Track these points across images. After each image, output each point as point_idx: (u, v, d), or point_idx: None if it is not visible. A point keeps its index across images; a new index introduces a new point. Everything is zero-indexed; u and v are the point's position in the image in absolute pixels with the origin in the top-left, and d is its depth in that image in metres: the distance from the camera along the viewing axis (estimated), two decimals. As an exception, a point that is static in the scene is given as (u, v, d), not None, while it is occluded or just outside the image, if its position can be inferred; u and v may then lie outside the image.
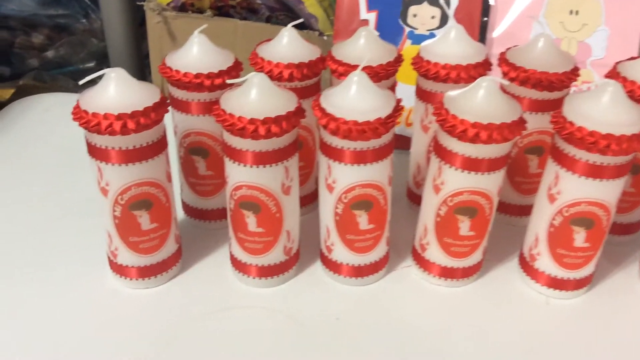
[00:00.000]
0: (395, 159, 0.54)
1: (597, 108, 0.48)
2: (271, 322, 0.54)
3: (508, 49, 0.61)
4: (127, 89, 0.49)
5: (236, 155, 0.51)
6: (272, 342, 0.52)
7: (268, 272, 0.56)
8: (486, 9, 0.79)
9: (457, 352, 0.51)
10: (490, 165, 0.51)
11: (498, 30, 0.79)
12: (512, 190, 0.64)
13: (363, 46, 0.59)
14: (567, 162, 0.50)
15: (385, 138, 0.51)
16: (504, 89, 0.60)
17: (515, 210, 0.65)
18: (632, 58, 0.58)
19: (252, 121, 0.48)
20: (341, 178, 0.52)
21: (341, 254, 0.56)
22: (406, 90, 0.73)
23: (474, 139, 0.48)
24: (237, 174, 0.52)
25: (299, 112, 0.50)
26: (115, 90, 0.49)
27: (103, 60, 1.19)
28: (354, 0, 0.80)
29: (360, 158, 0.50)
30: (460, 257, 0.56)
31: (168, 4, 0.90)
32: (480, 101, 0.49)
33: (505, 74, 0.59)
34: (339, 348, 0.52)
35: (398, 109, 0.50)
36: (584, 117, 0.48)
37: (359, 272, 0.57)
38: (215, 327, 0.53)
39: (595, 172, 0.49)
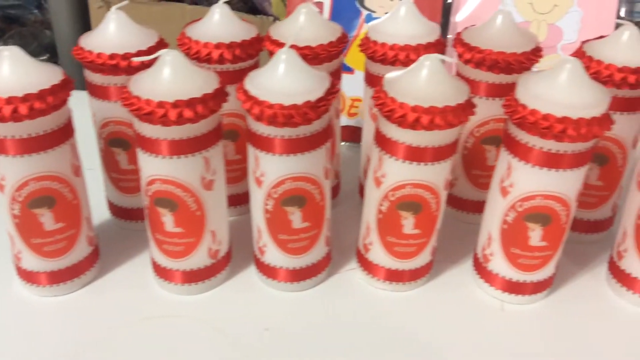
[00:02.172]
0: (347, 153, 0.48)
1: (554, 89, 0.43)
2: (194, 334, 0.48)
3: (465, 28, 0.55)
4: (23, 70, 0.43)
5: (148, 145, 0.45)
6: (193, 356, 0.46)
7: (192, 277, 0.50)
8: (450, -10, 0.74)
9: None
10: (435, 155, 0.45)
11: (462, 13, 0.73)
12: (469, 184, 0.58)
13: (303, 24, 0.53)
14: (520, 151, 0.45)
15: (319, 124, 0.45)
16: (459, 73, 0.55)
17: (472, 207, 0.59)
18: (601, 37, 0.53)
19: (160, 104, 0.42)
20: (270, 170, 0.46)
21: (274, 256, 0.50)
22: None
23: (414, 125, 0.43)
24: (150, 167, 0.45)
25: (219, 95, 0.44)
26: (10, 72, 0.43)
27: (55, 52, 1.13)
28: (306, -19, 0.74)
29: (290, 147, 0.45)
30: (406, 258, 0.50)
31: (113, -12, 0.84)
32: (423, 83, 0.44)
33: (460, 56, 0.53)
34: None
35: (331, 91, 0.44)
36: (539, 99, 0.43)
37: (296, 276, 0.51)
38: (133, 339, 0.47)
39: (551, 161, 0.44)
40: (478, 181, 0.58)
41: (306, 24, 0.53)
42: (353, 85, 0.72)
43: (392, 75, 0.46)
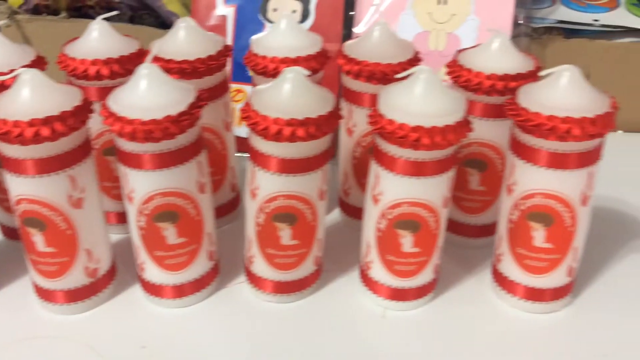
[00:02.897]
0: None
1: (410, 98, 0.43)
2: (68, 354, 0.47)
3: (349, 40, 0.56)
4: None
5: (11, 165, 0.44)
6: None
7: (71, 297, 0.49)
8: (352, 2, 0.75)
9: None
10: (306, 166, 0.45)
11: (363, 24, 0.74)
12: (361, 192, 0.59)
13: (182, 39, 0.53)
14: (385, 161, 0.45)
15: (186, 138, 0.45)
16: (344, 85, 0.56)
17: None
18: (474, 46, 0.54)
19: (16, 124, 0.42)
20: (139, 187, 0.46)
21: (153, 272, 0.50)
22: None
23: (278, 137, 0.43)
24: (16, 187, 0.45)
25: (80, 112, 0.44)
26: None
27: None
28: (211, -6, 0.74)
29: (159, 162, 0.45)
30: (288, 269, 0.50)
31: (20, 7, 0.83)
32: (286, 95, 0.44)
33: (341, 67, 0.54)
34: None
35: (196, 105, 0.44)
36: (396, 110, 0.43)
37: (178, 292, 0.50)
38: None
39: (414, 169, 0.44)
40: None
41: (185, 38, 0.53)
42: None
43: (258, 88, 0.46)
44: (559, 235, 0.47)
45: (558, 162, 0.44)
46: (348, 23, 0.74)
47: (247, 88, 0.72)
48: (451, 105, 0.44)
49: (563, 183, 0.45)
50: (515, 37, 0.74)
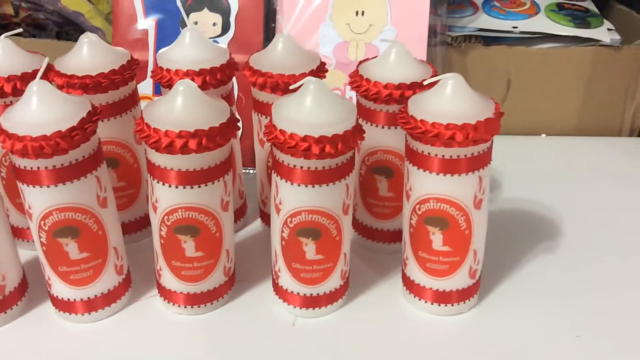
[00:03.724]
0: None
1: (300, 108, 0.44)
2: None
3: (255, 53, 0.57)
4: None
5: None
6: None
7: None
8: (273, 14, 0.76)
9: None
10: (206, 177, 0.46)
11: (284, 35, 0.75)
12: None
13: (85, 54, 0.53)
14: (282, 171, 0.46)
15: (79, 154, 0.45)
16: (254, 97, 0.56)
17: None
18: (374, 57, 0.55)
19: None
20: (36, 204, 0.46)
21: (59, 287, 0.49)
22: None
23: (170, 149, 0.44)
24: None
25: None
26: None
27: None
28: (131, 8, 0.75)
29: (56, 178, 0.45)
30: (196, 281, 0.51)
31: (-57, 22, 0.82)
32: (179, 107, 0.45)
33: (247, 79, 0.55)
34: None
35: (87, 120, 0.45)
36: (288, 120, 0.44)
37: (88, 306, 0.50)
38: None
39: (309, 178, 0.45)
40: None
41: (88, 53, 0.53)
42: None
43: (151, 102, 0.46)
44: (456, 238, 0.49)
45: (448, 167, 0.46)
46: (269, 35, 0.75)
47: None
48: (341, 114, 0.45)
49: (454, 187, 0.47)
50: (433, 46, 0.76)
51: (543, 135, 0.84)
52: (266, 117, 0.56)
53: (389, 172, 0.55)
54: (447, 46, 0.79)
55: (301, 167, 0.45)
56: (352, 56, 0.74)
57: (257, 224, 0.65)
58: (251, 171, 0.72)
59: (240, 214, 0.63)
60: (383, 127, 0.53)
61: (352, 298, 0.55)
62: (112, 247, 0.50)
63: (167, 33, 0.74)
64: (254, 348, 0.49)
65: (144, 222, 0.61)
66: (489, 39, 0.82)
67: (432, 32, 0.76)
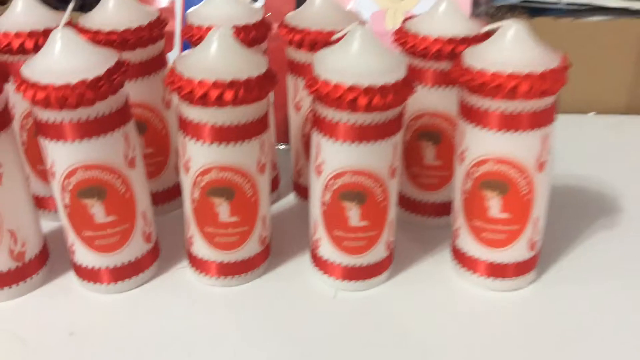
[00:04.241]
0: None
1: (346, 58, 0.40)
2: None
3: (292, 12, 0.54)
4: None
5: None
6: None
7: (-7, 283, 0.46)
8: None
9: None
10: (241, 134, 0.42)
11: (319, 4, 0.71)
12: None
13: (111, 10, 0.49)
14: (325, 128, 0.42)
15: (107, 107, 0.41)
16: (289, 57, 0.53)
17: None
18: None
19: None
20: (60, 161, 0.42)
21: (83, 254, 0.46)
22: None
23: (204, 101, 0.40)
24: None
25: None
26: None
27: None
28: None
29: (81, 132, 0.41)
30: (230, 249, 0.47)
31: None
32: (213, 56, 0.41)
33: (283, 37, 0.51)
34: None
35: (115, 70, 0.41)
36: (332, 71, 0.40)
37: (113, 276, 0.47)
38: None
39: (354, 134, 0.41)
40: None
41: (114, 9, 0.49)
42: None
43: (183, 53, 0.43)
44: (516, 204, 0.44)
45: (509, 123, 0.42)
46: (301, 3, 0.72)
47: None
48: (390, 63, 0.41)
49: (516, 146, 0.42)
50: (476, 16, 0.72)
51: (592, 113, 0.79)
52: (302, 79, 0.52)
53: (436, 138, 0.51)
54: (491, 17, 0.74)
55: (346, 122, 0.41)
56: (389, 25, 0.70)
57: (290, 199, 0.61)
58: (282, 147, 0.68)
59: (273, 186, 0.59)
60: (431, 88, 0.49)
61: (397, 272, 0.50)
62: (140, 212, 0.46)
63: (196, 3, 0.71)
64: (291, 322, 0.46)
65: (172, 193, 0.57)
66: (535, 11, 0.77)
67: (475, 2, 0.72)
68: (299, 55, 0.51)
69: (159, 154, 0.55)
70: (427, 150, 0.52)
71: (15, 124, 0.50)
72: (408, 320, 0.46)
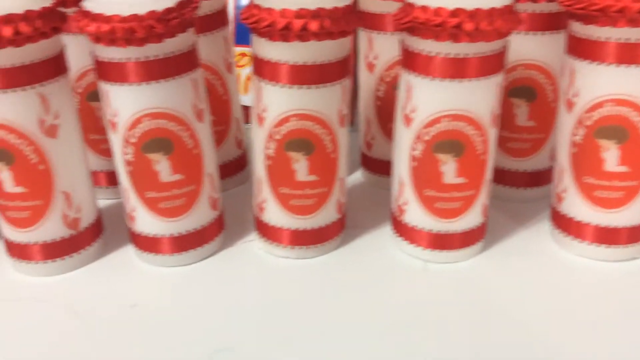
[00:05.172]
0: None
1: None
2: (39, 316, 0.39)
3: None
4: None
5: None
6: (41, 340, 0.37)
7: (47, 252, 0.41)
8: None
9: (307, 337, 0.37)
10: (323, 75, 0.38)
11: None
12: (386, 140, 0.51)
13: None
14: (418, 64, 0.37)
15: (174, 45, 0.37)
16: (364, 10, 0.48)
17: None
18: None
19: None
20: (124, 108, 0.38)
21: (145, 219, 0.42)
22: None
23: (286, 33, 0.36)
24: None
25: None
26: None
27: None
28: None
29: (147, 72, 0.37)
30: (306, 214, 0.42)
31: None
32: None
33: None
34: (132, 339, 0.37)
35: (186, 3, 0.37)
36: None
37: (176, 245, 0.42)
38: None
39: (453, 69, 0.36)
40: (396, 136, 0.51)
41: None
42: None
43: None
44: (638, 154, 0.39)
45: (631, 55, 0.36)
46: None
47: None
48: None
49: (638, 84, 0.37)
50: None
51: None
52: (378, 32, 0.47)
53: (530, 94, 0.46)
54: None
55: (446, 55, 0.36)
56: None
57: (356, 175, 0.56)
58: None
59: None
60: (527, 34, 0.44)
61: (491, 244, 0.45)
62: (207, 173, 0.42)
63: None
64: (373, 296, 0.40)
65: (231, 168, 0.53)
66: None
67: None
68: (375, 5, 0.46)
69: (220, 122, 0.51)
70: (519, 110, 0.47)
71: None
72: (509, 295, 0.40)
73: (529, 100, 0.46)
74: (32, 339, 0.37)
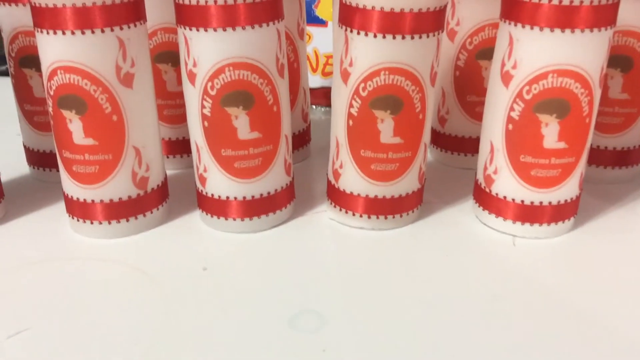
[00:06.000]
0: (325, 118, 0.38)
1: None
2: (114, 278, 0.36)
3: None
4: None
5: (46, 20, 0.35)
6: (113, 301, 0.34)
7: (113, 212, 0.39)
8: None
9: (386, 316, 0.34)
10: (418, 24, 0.35)
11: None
12: (464, 116, 0.48)
13: None
14: (522, 12, 0.35)
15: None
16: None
17: (470, 146, 0.48)
18: None
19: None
20: (203, 55, 0.36)
21: (217, 180, 0.39)
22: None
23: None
24: (51, 51, 0.35)
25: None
26: None
27: None
28: None
29: (229, 17, 0.35)
30: (387, 180, 0.39)
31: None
32: None
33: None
34: (208, 301, 0.34)
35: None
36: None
37: (247, 209, 0.39)
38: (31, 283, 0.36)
39: (562, 18, 0.33)
40: (475, 110, 0.48)
41: None
42: (326, 40, 0.63)
43: None
44: None
45: None
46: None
47: (314, 30, 0.63)
48: None
49: None
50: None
51: None
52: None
53: (626, 64, 0.43)
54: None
55: (559, 2, 0.33)
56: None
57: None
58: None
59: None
60: (627, -3, 0.41)
61: (580, 223, 0.42)
62: (284, 134, 0.39)
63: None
64: (459, 272, 0.37)
65: (295, 142, 0.50)
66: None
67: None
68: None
69: (290, 91, 0.48)
70: (612, 81, 0.44)
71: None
72: (604, 271, 0.37)
73: (625, 71, 0.43)
74: (104, 300, 0.35)
